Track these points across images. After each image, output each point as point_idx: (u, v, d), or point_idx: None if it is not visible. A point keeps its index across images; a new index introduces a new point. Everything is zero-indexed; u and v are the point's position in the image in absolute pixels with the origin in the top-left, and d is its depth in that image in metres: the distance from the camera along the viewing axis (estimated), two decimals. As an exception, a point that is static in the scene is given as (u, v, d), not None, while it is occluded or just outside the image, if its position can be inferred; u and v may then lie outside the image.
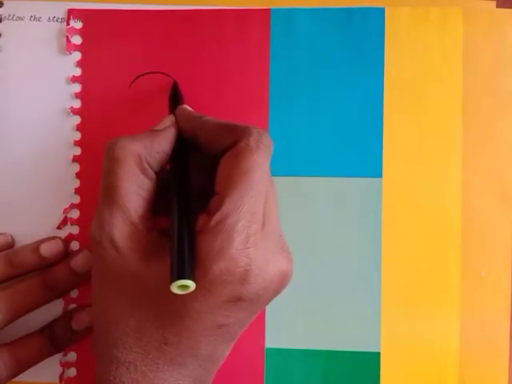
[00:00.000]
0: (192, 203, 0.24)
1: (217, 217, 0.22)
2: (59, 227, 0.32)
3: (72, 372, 0.32)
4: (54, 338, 0.30)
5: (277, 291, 0.24)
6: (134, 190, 0.24)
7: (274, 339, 0.32)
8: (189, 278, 0.21)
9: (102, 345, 0.23)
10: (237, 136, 0.24)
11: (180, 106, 0.28)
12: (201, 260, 0.22)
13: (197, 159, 0.27)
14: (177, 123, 0.27)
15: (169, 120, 0.27)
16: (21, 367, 0.30)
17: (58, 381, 0.32)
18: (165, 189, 0.25)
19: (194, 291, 0.21)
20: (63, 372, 0.32)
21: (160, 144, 0.25)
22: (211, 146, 0.25)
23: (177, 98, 0.30)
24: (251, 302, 0.22)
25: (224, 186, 0.23)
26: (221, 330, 0.23)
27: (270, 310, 0.32)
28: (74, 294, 0.32)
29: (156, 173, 0.25)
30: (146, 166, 0.24)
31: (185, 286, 0.21)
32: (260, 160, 0.23)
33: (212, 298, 0.22)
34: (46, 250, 0.30)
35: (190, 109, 0.28)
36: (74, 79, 0.33)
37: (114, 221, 0.23)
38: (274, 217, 0.24)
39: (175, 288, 0.21)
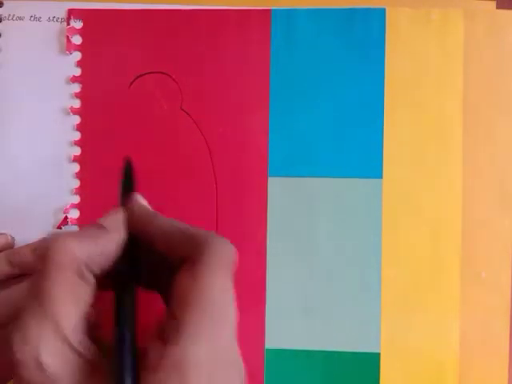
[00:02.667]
0: (137, 323, 0.22)
1: (172, 352, 0.19)
2: (59, 227, 0.32)
3: (72, 372, 0.32)
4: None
5: None
6: (71, 299, 0.20)
7: (273, 339, 0.32)
8: None
9: None
10: (195, 249, 0.21)
11: (131, 205, 0.25)
12: None
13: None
14: (127, 221, 0.24)
15: (117, 220, 0.24)
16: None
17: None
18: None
19: None
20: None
21: (105, 246, 0.22)
22: (166, 252, 0.23)
23: (130, 181, 0.26)
24: None
25: (180, 310, 0.20)
26: None
27: (270, 310, 0.32)
28: (74, 294, 0.32)
29: (96, 275, 0.22)
30: (86, 273, 0.21)
31: None
32: (221, 280, 0.21)
33: None
34: (46, 249, 0.30)
35: (144, 203, 0.25)
36: (74, 79, 0.33)
37: (42, 335, 0.19)
38: (231, 335, 0.21)
39: None
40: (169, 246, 0.23)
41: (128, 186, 0.26)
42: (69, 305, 0.20)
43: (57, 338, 0.20)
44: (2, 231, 0.32)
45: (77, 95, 0.33)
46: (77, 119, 0.33)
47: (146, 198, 0.32)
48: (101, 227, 0.23)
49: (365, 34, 0.33)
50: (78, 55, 0.33)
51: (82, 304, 0.21)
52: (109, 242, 0.23)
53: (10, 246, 0.32)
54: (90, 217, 0.32)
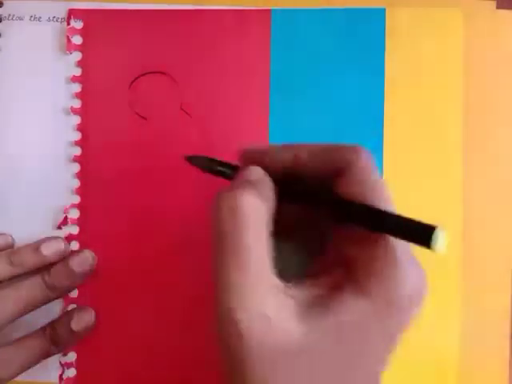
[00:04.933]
0: None
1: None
2: (59, 227, 0.32)
3: (72, 372, 0.32)
4: (53, 338, 0.30)
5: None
6: (267, 253, 0.20)
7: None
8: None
9: None
10: (348, 155, 0.22)
11: (251, 148, 0.24)
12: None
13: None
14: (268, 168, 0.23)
15: (258, 170, 0.23)
16: (20, 367, 0.30)
17: (57, 381, 0.32)
18: None
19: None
20: (63, 372, 0.32)
21: (269, 196, 0.22)
22: (315, 170, 0.22)
23: (223, 166, 0.25)
24: None
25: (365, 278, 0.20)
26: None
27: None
28: (74, 294, 0.32)
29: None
30: (271, 224, 0.21)
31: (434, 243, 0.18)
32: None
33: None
34: (48, 248, 0.31)
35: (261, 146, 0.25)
36: (74, 79, 0.33)
37: (257, 289, 0.19)
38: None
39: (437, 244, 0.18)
40: (318, 160, 0.22)
41: (225, 170, 0.25)
42: (267, 259, 0.20)
43: (270, 290, 0.19)
44: (2, 231, 0.32)
45: (77, 95, 0.33)
46: (77, 119, 0.33)
47: (145, 198, 0.33)
48: (254, 181, 0.22)
49: (364, 34, 0.33)
50: (78, 55, 0.33)
51: (271, 255, 0.20)
52: (271, 192, 0.22)
53: (9, 246, 0.32)
54: (90, 217, 0.32)
